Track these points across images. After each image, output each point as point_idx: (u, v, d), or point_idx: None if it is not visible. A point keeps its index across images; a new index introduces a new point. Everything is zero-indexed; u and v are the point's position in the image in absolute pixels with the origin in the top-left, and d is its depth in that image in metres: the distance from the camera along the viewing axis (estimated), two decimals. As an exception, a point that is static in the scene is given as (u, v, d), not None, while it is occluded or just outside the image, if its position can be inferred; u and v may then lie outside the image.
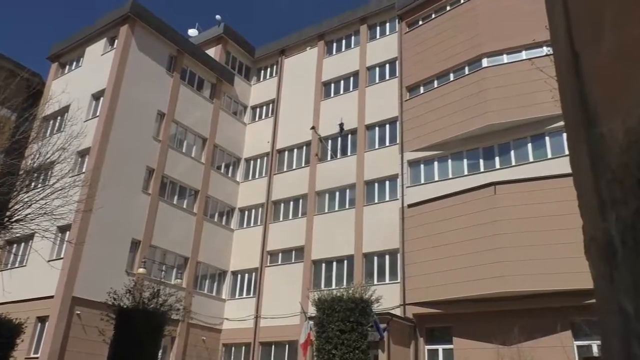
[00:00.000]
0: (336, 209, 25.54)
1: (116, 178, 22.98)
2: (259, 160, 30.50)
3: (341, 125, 26.05)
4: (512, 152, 19.60)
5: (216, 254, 27.46)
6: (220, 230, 28.29)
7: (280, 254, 26.73)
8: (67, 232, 21.61)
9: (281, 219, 27.60)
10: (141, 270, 20.55)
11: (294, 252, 26.12)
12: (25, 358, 20.14)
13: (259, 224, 28.37)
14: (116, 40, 26.04)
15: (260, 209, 28.82)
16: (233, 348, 26.19)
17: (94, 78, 25.48)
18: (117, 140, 23.65)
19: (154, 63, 26.38)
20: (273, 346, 24.60)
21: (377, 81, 26.97)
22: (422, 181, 21.64)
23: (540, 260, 16.41)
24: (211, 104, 29.68)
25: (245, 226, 29.08)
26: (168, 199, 25.89)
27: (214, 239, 27.55)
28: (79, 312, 20.66)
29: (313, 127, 27.55)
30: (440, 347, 19.22)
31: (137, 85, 25.17)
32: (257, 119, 32.07)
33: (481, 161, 20.25)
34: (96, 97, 25.42)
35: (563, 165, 17.15)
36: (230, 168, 30.46)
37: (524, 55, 19.81)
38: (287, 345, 23.83)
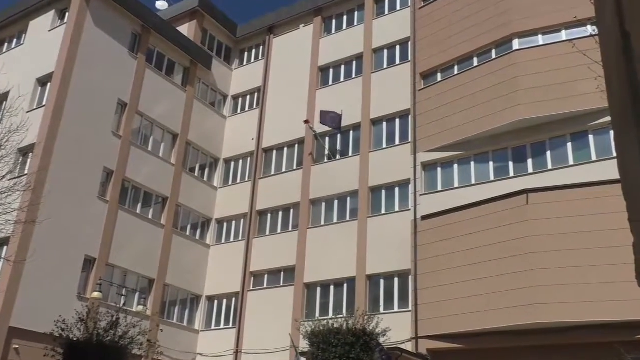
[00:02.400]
0: (334, 220, 25.53)
1: (66, 182, 22.89)
2: (241, 161, 30.45)
3: (339, 119, 25.98)
4: (548, 154, 19.65)
5: (188, 275, 27.37)
6: (193, 246, 28.22)
7: (266, 276, 26.67)
8: (5, 248, 21.49)
9: (267, 233, 27.56)
10: (96, 294, 20.47)
11: (282, 273, 26.08)
12: (-48, 402, 20.00)
13: (240, 238, 28.30)
14: (67, 13, 26.00)
15: (242, 221, 28.76)
16: (207, 390, 26.07)
17: (40, 59, 25.42)
18: (68, 136, 23.57)
19: (113, 42, 26.35)
20: (256, 388, 24.51)
21: (385, 66, 27.01)
22: (439, 188, 21.65)
23: (582, 285, 16.41)
24: (183, 93, 29.65)
25: (223, 241, 29.01)
26: (130, 207, 25.82)
27: (186, 257, 27.47)
28: (17, 346, 20.48)
29: (307, 122, 27.55)
30: (460, 391, 19.19)
31: (93, 69, 25.12)
32: (239, 111, 32.04)
33: (511, 164, 20.29)
34: (42, 82, 25.35)
35: (610, 169, 17.11)
36: (206, 170, 30.39)
37: (563, 35, 19.87)
38: (273, 387, 23.74)
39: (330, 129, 26.64)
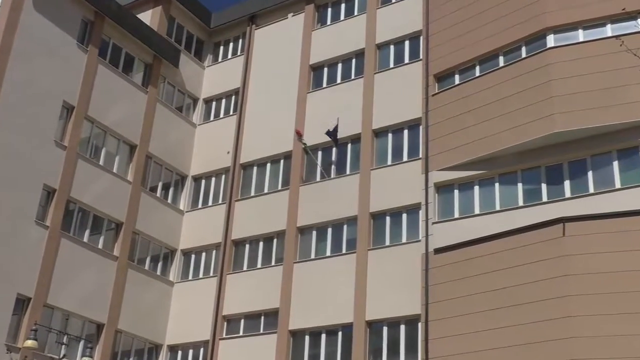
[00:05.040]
0: (328, 253, 25.45)
1: (-3, 202, 22.75)
2: (213, 179, 30.40)
3: (334, 131, 25.94)
4: (590, 174, 19.66)
5: (146, 320, 27.18)
6: (153, 282, 28.04)
7: (242, 321, 26.53)
8: None
9: (245, 268, 27.45)
10: (30, 342, 20.19)
11: (263, 317, 25.93)
12: None
13: (211, 274, 28.17)
14: (3, -4, 26.02)
15: (213, 253, 28.64)
16: None
17: (-31, 52, 25.35)
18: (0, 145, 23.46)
19: (59, 30, 26.31)
20: None
21: (391, 66, 27.13)
22: (456, 215, 21.62)
23: (631, 337, 16.30)
24: (144, 95, 29.63)
25: (191, 277, 28.88)
26: (75, 234, 25.65)
27: (144, 297, 27.29)
28: None
29: (297, 132, 27.55)
30: None
31: (33, 64, 25.05)
32: (212, 118, 32.06)
33: (544, 186, 20.28)
34: (-29, 80, 25.27)
35: (665, 194, 17.19)
36: (171, 190, 30.31)
37: (608, 31, 19.96)
38: None
39: (324, 140, 26.64)
